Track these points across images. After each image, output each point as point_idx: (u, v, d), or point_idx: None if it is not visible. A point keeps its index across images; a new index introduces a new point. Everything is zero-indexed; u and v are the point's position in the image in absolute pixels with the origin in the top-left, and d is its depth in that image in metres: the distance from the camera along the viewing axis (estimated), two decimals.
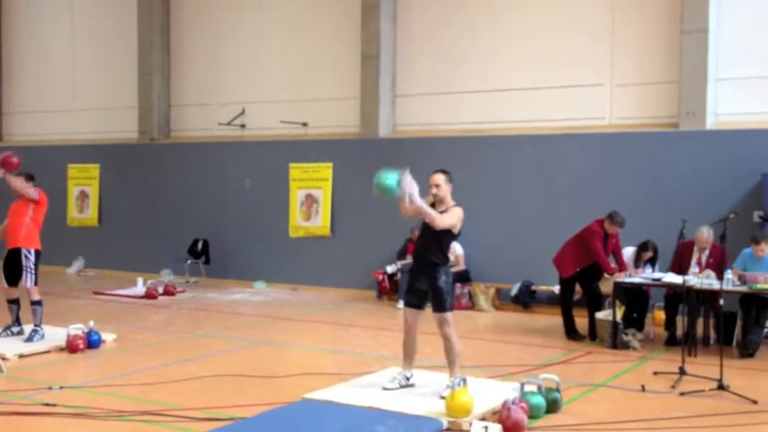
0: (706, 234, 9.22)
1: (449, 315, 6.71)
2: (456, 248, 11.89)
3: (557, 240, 10.24)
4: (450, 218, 6.69)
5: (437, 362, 7.64)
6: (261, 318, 11.34)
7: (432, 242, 6.76)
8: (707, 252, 9.39)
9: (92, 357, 8.59)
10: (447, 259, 6.91)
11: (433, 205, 6.80)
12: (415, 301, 6.87)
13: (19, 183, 8.91)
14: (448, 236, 6.79)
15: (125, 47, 16.24)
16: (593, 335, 9.67)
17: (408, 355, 6.97)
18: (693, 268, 9.12)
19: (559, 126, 12.29)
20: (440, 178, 6.79)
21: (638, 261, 10.03)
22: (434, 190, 6.78)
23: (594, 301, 9.84)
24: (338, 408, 6.33)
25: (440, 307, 6.71)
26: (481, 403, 6.27)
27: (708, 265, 9.26)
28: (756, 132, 10.87)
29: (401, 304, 11.54)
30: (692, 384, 7.29)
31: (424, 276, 6.77)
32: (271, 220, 14.51)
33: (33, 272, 8.96)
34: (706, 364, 8.08)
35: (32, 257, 8.97)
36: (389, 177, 6.49)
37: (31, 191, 8.94)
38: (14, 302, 9.22)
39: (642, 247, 10.00)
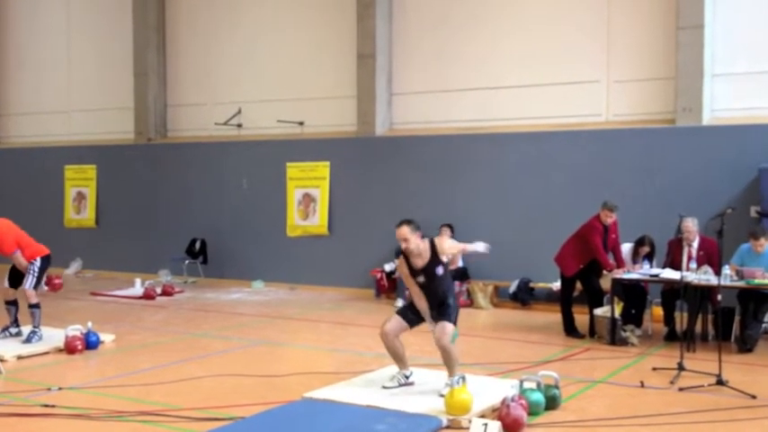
0: (690, 224, 9.19)
1: (451, 327, 6.63)
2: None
3: (554, 237, 10.24)
4: (451, 248, 6.87)
5: (436, 360, 7.63)
6: (259, 317, 11.33)
7: (439, 285, 6.73)
8: (696, 245, 9.39)
9: (90, 358, 8.59)
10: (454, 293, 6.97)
11: (407, 258, 6.75)
12: (411, 317, 6.85)
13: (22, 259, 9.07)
14: (447, 273, 6.79)
15: (120, 47, 16.22)
16: (593, 332, 9.67)
17: (398, 359, 6.90)
18: (692, 264, 9.12)
19: (556, 123, 12.29)
20: (405, 231, 6.58)
21: (635, 257, 10.03)
22: (404, 245, 6.64)
23: (595, 298, 9.83)
24: (338, 406, 6.34)
25: (445, 318, 6.62)
26: (480, 401, 6.27)
27: (699, 258, 9.26)
28: (753, 128, 10.88)
29: (400, 302, 11.56)
30: (690, 380, 7.30)
31: (435, 308, 6.74)
32: (268, 219, 14.50)
33: (36, 276, 9.04)
34: (705, 359, 8.08)
35: (38, 263, 9.09)
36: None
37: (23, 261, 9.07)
38: (12, 304, 9.24)
39: (639, 243, 10.00)
